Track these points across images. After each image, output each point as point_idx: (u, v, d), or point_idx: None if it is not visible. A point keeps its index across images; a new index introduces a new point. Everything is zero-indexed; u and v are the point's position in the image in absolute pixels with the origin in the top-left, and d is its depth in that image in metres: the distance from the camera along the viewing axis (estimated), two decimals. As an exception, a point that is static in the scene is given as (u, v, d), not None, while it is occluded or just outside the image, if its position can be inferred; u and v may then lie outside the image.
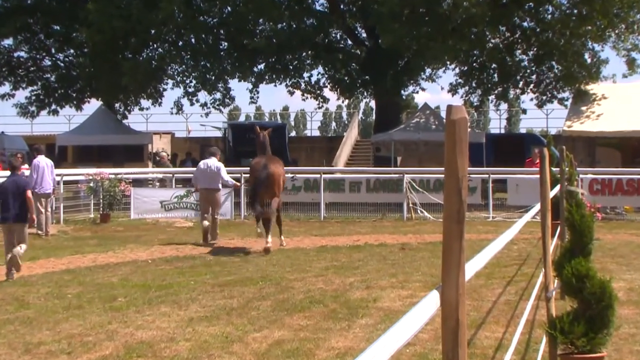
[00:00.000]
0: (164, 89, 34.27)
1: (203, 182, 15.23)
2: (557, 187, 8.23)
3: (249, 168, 14.63)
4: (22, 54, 34.42)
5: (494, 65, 29.84)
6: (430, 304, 1.90)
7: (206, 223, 14.94)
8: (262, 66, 31.46)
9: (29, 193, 10.91)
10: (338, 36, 32.53)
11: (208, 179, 15.19)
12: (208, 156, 15.68)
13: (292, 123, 79.97)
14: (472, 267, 2.53)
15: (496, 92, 30.68)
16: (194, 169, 16.92)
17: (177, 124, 74.31)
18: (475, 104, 31.71)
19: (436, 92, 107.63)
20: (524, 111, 35.48)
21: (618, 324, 5.69)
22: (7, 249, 10.77)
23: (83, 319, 7.79)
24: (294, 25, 29.55)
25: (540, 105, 31.02)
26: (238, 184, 17.76)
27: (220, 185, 15.41)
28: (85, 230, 17.71)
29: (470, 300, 8.14)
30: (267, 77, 31.58)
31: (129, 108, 34.67)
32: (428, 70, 33.73)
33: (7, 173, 11.45)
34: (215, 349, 6.42)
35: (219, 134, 38.72)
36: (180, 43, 30.81)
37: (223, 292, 9.19)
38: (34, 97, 34.42)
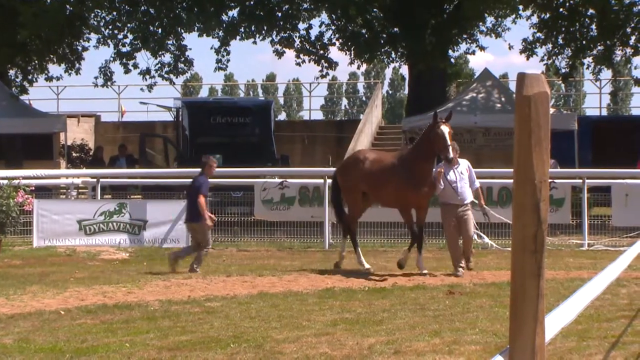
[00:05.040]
0: (85, 49, 34.27)
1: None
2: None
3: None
4: None
5: (591, 11, 29.80)
6: (492, 377, 1.91)
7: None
8: (234, 13, 31.49)
9: (201, 199, 16.37)
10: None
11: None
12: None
13: (281, 100, 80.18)
14: (556, 321, 2.54)
15: (595, 52, 30.64)
16: (131, 170, 17.08)
17: (105, 101, 74.56)
18: (562, 71, 31.68)
19: (502, 52, 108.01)
20: (638, 82, 35.43)
21: None
22: (192, 246, 17.23)
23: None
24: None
25: (662, 73, 30.99)
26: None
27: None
28: (-36, 264, 17.72)
29: (555, 373, 8.13)
30: (242, 31, 31.58)
31: (30, 77, 34.68)
32: (490, 20, 33.72)
33: None
34: None
35: (168, 116, 38.76)
36: (110, -23, 30.83)
37: (175, 359, 9.19)
38: None
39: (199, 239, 16.84)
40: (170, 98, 40.79)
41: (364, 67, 39.82)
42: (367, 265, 16.56)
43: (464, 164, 16.17)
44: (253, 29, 31.57)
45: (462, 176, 15.92)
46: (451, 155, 15.44)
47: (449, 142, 15.42)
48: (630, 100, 67.77)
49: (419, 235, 16.12)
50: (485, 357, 8.65)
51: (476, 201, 16.49)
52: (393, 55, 33.88)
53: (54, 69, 35.11)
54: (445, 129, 15.49)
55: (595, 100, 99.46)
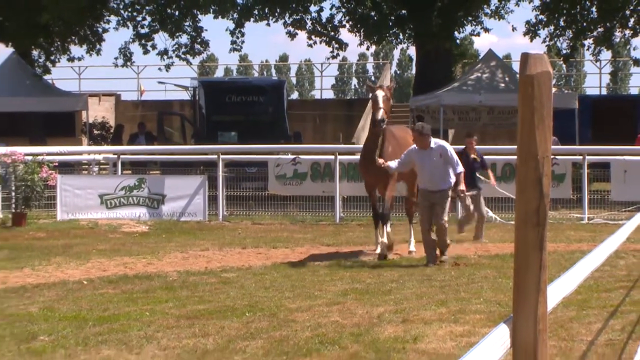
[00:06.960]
0: (105, 30, 34.22)
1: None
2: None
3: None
4: None
5: (591, -7, 29.60)
6: (497, 345, 1.91)
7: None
8: (249, -5, 31.37)
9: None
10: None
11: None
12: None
13: (294, 80, 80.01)
14: (557, 291, 2.54)
15: (595, 34, 30.50)
16: (150, 147, 16.95)
17: (125, 81, 74.34)
18: (564, 51, 31.55)
19: (506, 34, 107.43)
20: (637, 62, 35.27)
21: None
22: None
23: (-12, 366, 7.87)
24: None
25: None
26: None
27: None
28: (-9, 237, 17.76)
29: (555, 341, 8.14)
30: (256, 13, 31.49)
31: (52, 58, 34.65)
32: (494, 2, 33.56)
33: None
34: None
35: (185, 95, 38.74)
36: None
37: (193, 327, 9.22)
38: None
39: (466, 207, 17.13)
40: (187, 78, 40.78)
41: (373, 48, 39.80)
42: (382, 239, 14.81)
43: (438, 147, 13.87)
44: (267, 11, 31.50)
45: (434, 161, 13.73)
46: (378, 117, 14.10)
47: (380, 104, 14.13)
48: (629, 80, 67.49)
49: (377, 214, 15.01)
50: (489, 325, 8.66)
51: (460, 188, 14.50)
52: (401, 37, 33.85)
53: (76, 49, 35.05)
54: (379, 93, 14.28)
55: (595, 80, 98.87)
